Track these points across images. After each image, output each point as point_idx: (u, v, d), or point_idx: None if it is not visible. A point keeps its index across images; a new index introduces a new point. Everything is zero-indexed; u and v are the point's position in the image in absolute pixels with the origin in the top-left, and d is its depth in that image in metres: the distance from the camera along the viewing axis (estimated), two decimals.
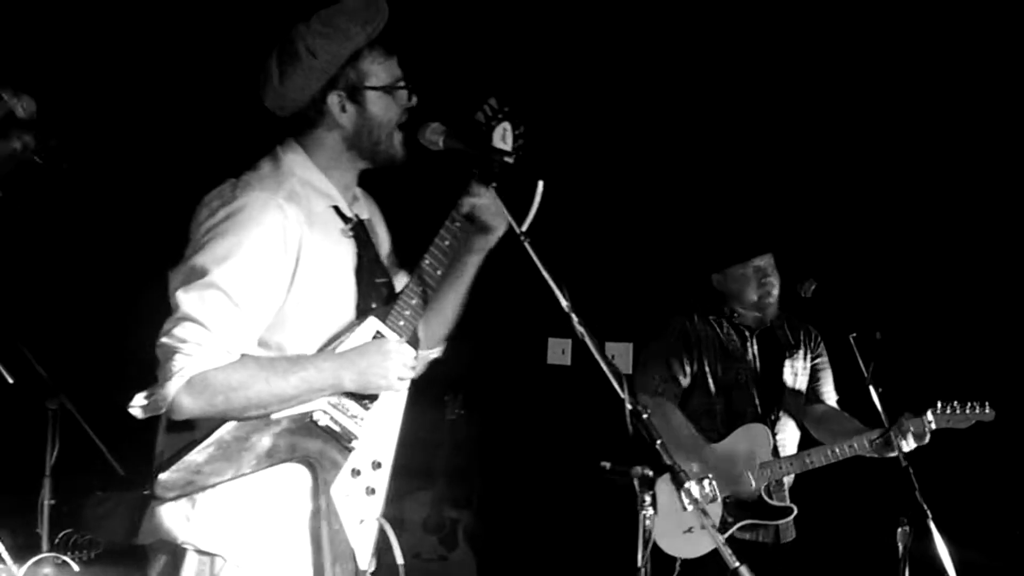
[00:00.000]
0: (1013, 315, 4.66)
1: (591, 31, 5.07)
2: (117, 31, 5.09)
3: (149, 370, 2.44)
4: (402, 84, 2.53)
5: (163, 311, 2.42)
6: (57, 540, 4.90)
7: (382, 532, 2.49)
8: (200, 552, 2.37)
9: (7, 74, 2.87)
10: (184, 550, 2.37)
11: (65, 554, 4.82)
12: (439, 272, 2.56)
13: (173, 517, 2.36)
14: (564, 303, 2.33)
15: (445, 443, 5.23)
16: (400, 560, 2.45)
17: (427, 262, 2.54)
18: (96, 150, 4.94)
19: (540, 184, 2.48)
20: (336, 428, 2.43)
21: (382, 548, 2.50)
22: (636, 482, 2.40)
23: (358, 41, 2.46)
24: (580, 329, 2.33)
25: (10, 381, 4.61)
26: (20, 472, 4.87)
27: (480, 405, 5.38)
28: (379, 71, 2.50)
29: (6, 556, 4.53)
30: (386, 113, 2.52)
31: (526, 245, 2.38)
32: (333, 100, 2.49)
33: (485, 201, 2.53)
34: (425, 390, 2.71)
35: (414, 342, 2.58)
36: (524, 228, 2.42)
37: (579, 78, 5.08)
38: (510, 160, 2.52)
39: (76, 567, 4.80)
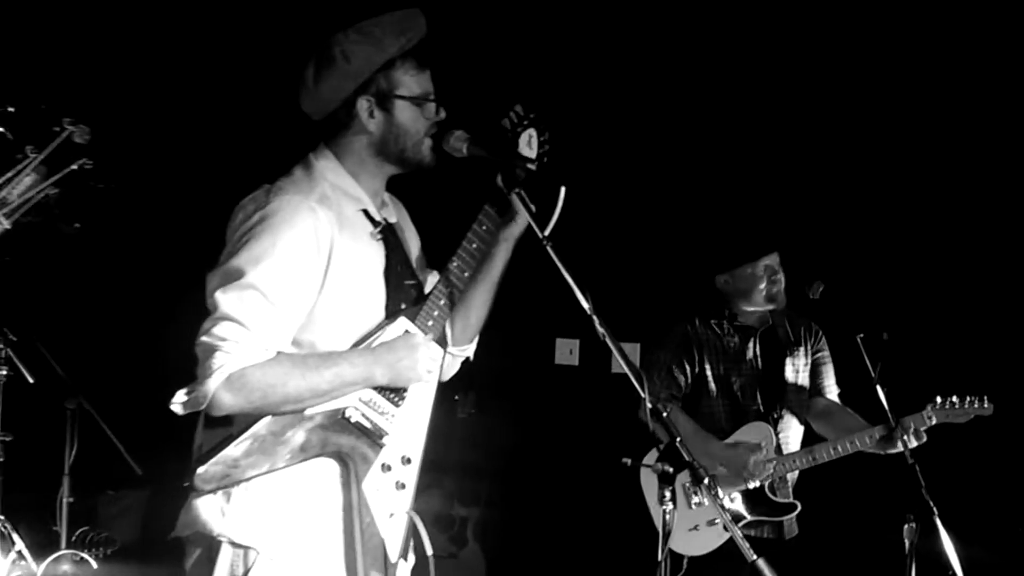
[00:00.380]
0: (1019, 316, 4.72)
1: (593, 38, 5.12)
2: (155, 39, 5.12)
3: (166, 370, 2.51)
4: (432, 98, 2.59)
5: (182, 312, 2.48)
6: (75, 537, 4.93)
7: (412, 525, 2.54)
8: (234, 545, 2.42)
9: (65, 105, 3.00)
10: (219, 543, 2.42)
11: (83, 551, 4.86)
12: (466, 274, 2.61)
13: (209, 510, 2.42)
14: (586, 306, 2.37)
15: (455, 442, 5.27)
16: (430, 551, 2.50)
17: (454, 264, 2.60)
18: (130, 155, 4.98)
19: (563, 189, 2.54)
20: (367, 424, 2.49)
21: (416, 541, 2.56)
22: (656, 478, 2.46)
23: (391, 50, 2.52)
24: (602, 330, 2.38)
25: (30, 381, 4.66)
26: (39, 470, 4.90)
27: (488, 404, 5.42)
28: (410, 82, 2.56)
29: (26, 553, 4.59)
30: (413, 124, 2.57)
31: (548, 249, 2.42)
32: (362, 105, 2.54)
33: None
34: (439, 388, 2.75)
35: (442, 342, 2.65)
36: (547, 232, 2.47)
37: (585, 82, 5.11)
38: (532, 167, 2.56)
39: (94, 564, 4.84)
